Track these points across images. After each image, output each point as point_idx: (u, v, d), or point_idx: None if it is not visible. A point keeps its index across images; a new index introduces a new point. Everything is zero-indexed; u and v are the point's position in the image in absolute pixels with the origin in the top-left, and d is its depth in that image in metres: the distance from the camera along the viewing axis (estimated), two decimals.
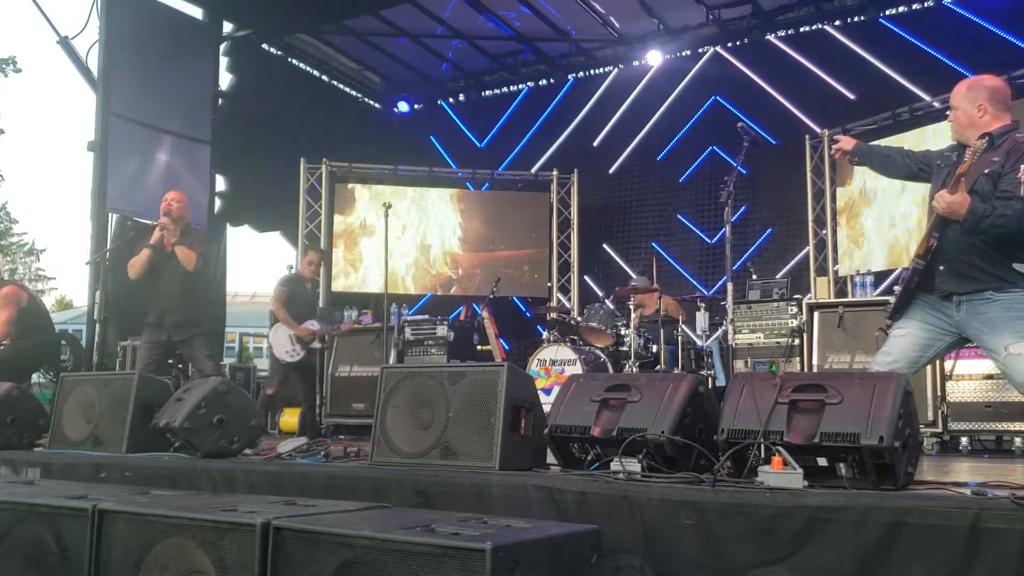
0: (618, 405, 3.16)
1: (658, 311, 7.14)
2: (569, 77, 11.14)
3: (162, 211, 5.96)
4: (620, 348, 7.16)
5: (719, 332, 7.96)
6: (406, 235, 10.17)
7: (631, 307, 7.15)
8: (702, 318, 7.08)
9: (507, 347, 8.85)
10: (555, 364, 6.93)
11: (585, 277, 10.39)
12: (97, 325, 8.36)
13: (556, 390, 3.55)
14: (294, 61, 10.95)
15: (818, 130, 8.51)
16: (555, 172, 10.34)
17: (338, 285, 9.92)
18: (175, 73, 9.17)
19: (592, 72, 11.04)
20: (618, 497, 2.73)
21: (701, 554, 2.57)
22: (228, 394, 4.27)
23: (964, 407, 5.37)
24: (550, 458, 3.44)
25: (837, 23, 9.36)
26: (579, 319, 7.53)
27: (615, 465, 2.98)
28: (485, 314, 7.90)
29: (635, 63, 10.59)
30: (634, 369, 6.77)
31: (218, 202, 9.76)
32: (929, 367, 5.35)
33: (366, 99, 12.00)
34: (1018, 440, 5.20)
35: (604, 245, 10.55)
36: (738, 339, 6.45)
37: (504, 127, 11.48)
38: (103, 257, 8.27)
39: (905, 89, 8.55)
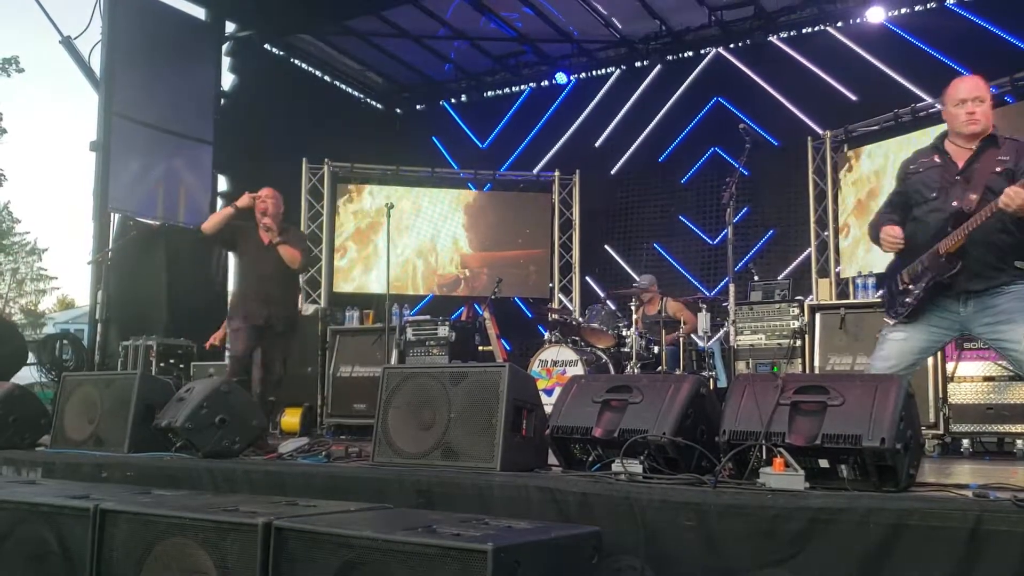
0: (619, 406, 3.16)
1: (660, 312, 7.14)
2: (571, 78, 11.15)
3: (259, 211, 5.53)
4: (622, 349, 7.16)
5: (721, 333, 7.96)
6: (408, 236, 10.18)
7: (632, 308, 7.15)
8: (704, 319, 7.08)
9: (508, 348, 8.85)
10: (556, 365, 6.93)
11: (587, 278, 10.38)
12: (99, 325, 8.37)
13: (557, 391, 3.55)
14: (296, 61, 10.95)
15: (820, 131, 8.50)
16: (557, 173, 10.35)
17: (339, 286, 9.92)
18: (177, 73, 9.18)
19: (594, 73, 11.04)
20: (619, 498, 2.74)
21: (702, 555, 2.57)
22: (230, 394, 4.27)
23: (966, 409, 5.36)
24: (551, 459, 3.44)
25: (839, 24, 9.36)
26: (580, 320, 7.53)
27: (616, 466, 2.98)
28: (487, 315, 7.90)
29: (636, 64, 10.59)
30: (636, 370, 6.77)
31: (220, 202, 9.76)
32: (931, 369, 5.36)
33: (368, 100, 12.01)
34: (1020, 442, 5.19)
35: (606, 246, 10.54)
36: (740, 340, 6.44)
37: (506, 128, 11.49)
38: (105, 257, 8.28)
39: (907, 90, 8.54)
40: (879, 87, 8.75)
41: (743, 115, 9.25)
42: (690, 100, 10.22)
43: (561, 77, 11.04)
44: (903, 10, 8.97)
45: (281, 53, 10.71)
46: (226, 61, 9.93)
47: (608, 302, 8.05)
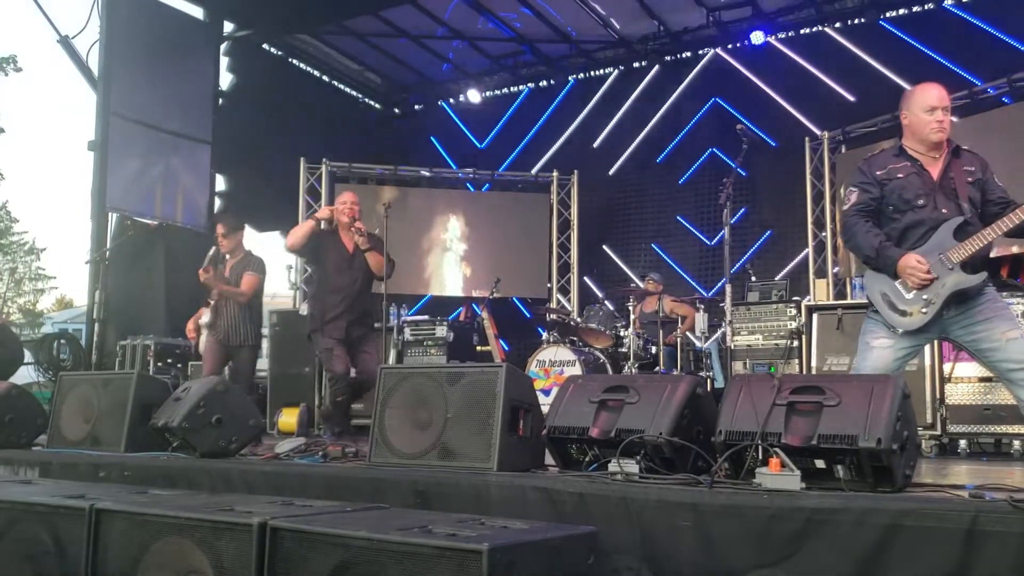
0: (616, 406, 3.16)
1: (657, 311, 7.14)
2: (569, 79, 11.15)
3: (348, 216, 5.58)
4: (619, 349, 7.16)
5: (718, 334, 7.97)
6: (406, 236, 10.16)
7: (630, 307, 7.16)
8: (701, 319, 7.09)
9: (506, 348, 8.85)
10: (554, 365, 6.94)
11: (585, 278, 10.39)
12: (96, 324, 8.37)
13: (555, 391, 3.55)
14: (295, 61, 10.95)
15: (818, 132, 8.51)
16: (555, 173, 10.34)
17: None
18: (175, 73, 9.17)
19: (592, 73, 11.05)
20: (616, 498, 2.73)
21: (698, 556, 2.57)
22: (227, 394, 4.26)
23: (963, 410, 5.36)
24: (548, 459, 3.44)
25: (837, 25, 9.36)
26: (578, 320, 7.53)
27: (613, 466, 2.98)
28: (485, 315, 7.90)
29: (634, 65, 10.59)
30: (633, 370, 6.77)
31: (218, 202, 9.76)
32: (928, 370, 5.37)
33: (366, 99, 12.01)
34: (1017, 443, 5.19)
35: (604, 246, 10.55)
36: (737, 341, 6.44)
37: (504, 128, 11.49)
38: (103, 256, 8.28)
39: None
40: (877, 88, 8.75)
41: (741, 116, 9.24)
42: (688, 101, 10.24)
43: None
44: (901, 11, 8.98)
45: (279, 53, 10.71)
46: (224, 61, 9.93)
47: (607, 302, 8.06)
